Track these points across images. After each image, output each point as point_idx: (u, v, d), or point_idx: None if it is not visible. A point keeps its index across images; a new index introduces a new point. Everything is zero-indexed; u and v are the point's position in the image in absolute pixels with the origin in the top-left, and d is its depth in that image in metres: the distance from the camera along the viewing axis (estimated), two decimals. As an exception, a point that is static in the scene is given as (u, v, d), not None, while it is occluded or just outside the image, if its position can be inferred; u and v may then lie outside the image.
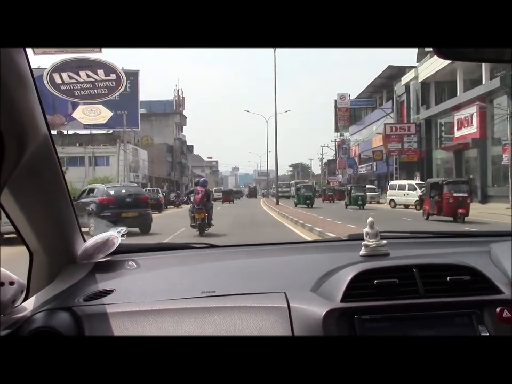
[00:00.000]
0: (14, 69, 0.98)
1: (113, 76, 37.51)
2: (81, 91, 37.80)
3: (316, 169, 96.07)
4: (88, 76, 37.32)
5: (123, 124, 40.59)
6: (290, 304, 1.35)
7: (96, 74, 37.56)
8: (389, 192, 29.77)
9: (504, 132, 25.40)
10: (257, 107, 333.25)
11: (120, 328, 1.30)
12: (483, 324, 1.32)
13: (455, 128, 31.87)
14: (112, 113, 39.05)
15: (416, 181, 30.22)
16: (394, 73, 41.88)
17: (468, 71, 30.72)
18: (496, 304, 1.35)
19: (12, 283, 1.30)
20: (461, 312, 1.34)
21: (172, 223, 17.27)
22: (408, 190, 27.54)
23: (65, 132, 43.94)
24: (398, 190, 28.52)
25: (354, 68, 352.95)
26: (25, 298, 1.46)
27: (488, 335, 1.30)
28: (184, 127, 71.07)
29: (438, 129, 35.03)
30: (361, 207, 27.59)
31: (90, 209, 12.66)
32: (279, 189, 44.40)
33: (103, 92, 37.69)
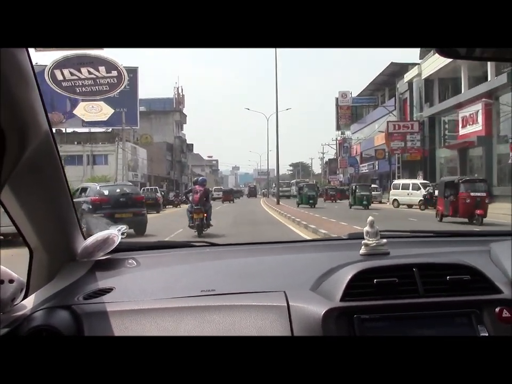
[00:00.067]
0: (15, 66, 0.98)
1: (114, 73, 37.51)
2: (83, 88, 37.84)
3: (316, 169, 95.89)
4: (89, 72, 37.45)
5: (122, 121, 40.29)
6: (290, 303, 1.35)
7: (98, 71, 37.63)
8: (392, 191, 29.42)
9: (510, 129, 24.90)
10: (258, 107, 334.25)
11: (120, 327, 1.30)
12: (482, 324, 1.32)
13: (460, 126, 31.41)
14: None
15: (419, 180, 29.77)
16: (397, 70, 41.49)
17: (472, 67, 30.24)
18: (495, 303, 1.35)
19: (11, 281, 1.29)
20: (461, 311, 1.34)
21: (170, 223, 17.04)
22: (412, 189, 27.17)
23: (63, 130, 43.57)
24: (401, 189, 28.16)
25: (354, 67, 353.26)
26: (25, 296, 1.46)
27: (487, 335, 1.30)
28: (184, 125, 70.98)
29: (441, 127, 34.55)
30: (366, 207, 26.84)
31: (82, 209, 12.17)
32: (280, 188, 44.06)
33: (105, 89, 37.76)
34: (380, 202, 34.15)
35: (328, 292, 1.38)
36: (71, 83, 37.60)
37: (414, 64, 38.29)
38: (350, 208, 27.52)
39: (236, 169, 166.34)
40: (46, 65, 35.01)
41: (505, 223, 14.88)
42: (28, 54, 1.04)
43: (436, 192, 23.34)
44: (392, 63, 41.42)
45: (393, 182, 31.46)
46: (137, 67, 45.62)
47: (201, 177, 15.05)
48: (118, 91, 38.37)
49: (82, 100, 39.65)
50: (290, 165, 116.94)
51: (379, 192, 36.29)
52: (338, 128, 62.71)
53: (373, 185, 35.68)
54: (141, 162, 48.63)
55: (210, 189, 17.13)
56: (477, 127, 29.17)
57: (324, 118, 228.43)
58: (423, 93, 37.72)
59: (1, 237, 9.03)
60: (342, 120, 58.56)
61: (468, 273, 1.40)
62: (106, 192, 13.44)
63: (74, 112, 40.54)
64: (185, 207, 16.03)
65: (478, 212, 14.94)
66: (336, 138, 67.36)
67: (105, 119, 40.16)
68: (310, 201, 29.99)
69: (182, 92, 68.33)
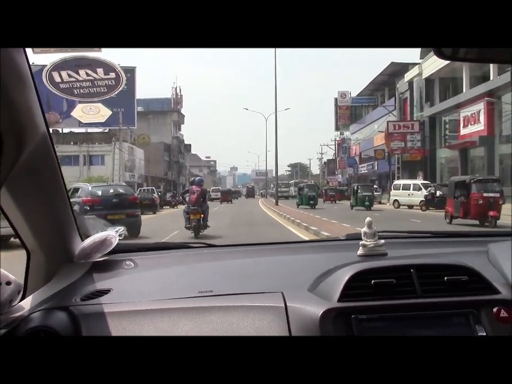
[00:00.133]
0: (13, 68, 0.98)
1: (112, 75, 37.39)
2: (81, 89, 37.77)
3: (315, 169, 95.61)
4: (87, 74, 37.40)
5: (119, 121, 39.95)
6: (288, 304, 1.35)
7: (96, 73, 37.54)
8: (393, 192, 29.12)
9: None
10: (256, 107, 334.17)
11: (117, 328, 1.31)
12: (480, 324, 1.32)
13: (461, 125, 31.10)
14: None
15: (420, 181, 29.43)
16: (397, 70, 41.27)
17: (473, 67, 29.95)
18: (493, 304, 1.35)
19: (8, 283, 1.30)
20: (458, 312, 1.35)
21: (166, 224, 16.77)
22: (413, 189, 26.81)
23: (60, 130, 43.19)
24: (402, 190, 27.84)
25: (354, 67, 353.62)
26: (23, 298, 1.45)
27: (485, 334, 1.30)
28: (182, 126, 70.62)
29: (442, 127, 34.20)
30: (368, 208, 26.24)
31: (73, 210, 11.68)
32: (278, 189, 43.70)
33: (103, 91, 37.68)
34: (380, 202, 33.81)
35: (326, 292, 1.39)
36: (69, 85, 37.53)
37: (415, 64, 38.04)
38: (352, 209, 27.06)
39: (234, 169, 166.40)
40: (43, 65, 34.70)
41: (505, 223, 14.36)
42: (26, 56, 1.04)
43: (438, 193, 23.04)
44: (392, 63, 41.19)
45: (394, 183, 31.18)
46: (135, 67, 45.34)
47: (198, 178, 14.69)
48: (116, 93, 38.14)
49: (80, 102, 39.42)
50: (288, 166, 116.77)
51: (379, 193, 36.01)
52: (337, 128, 62.65)
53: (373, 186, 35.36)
54: (138, 163, 48.27)
55: (208, 189, 16.82)
56: (479, 126, 28.86)
57: (323, 118, 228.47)
58: (423, 93, 37.47)
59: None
60: (341, 120, 58.31)
61: (466, 273, 1.41)
62: (98, 193, 13.05)
63: (72, 114, 40.28)
64: (182, 207, 15.78)
65: (491, 213, 14.19)
66: (335, 138, 67.21)
67: (103, 120, 39.94)
68: (311, 202, 29.62)
69: (180, 92, 68.08)
